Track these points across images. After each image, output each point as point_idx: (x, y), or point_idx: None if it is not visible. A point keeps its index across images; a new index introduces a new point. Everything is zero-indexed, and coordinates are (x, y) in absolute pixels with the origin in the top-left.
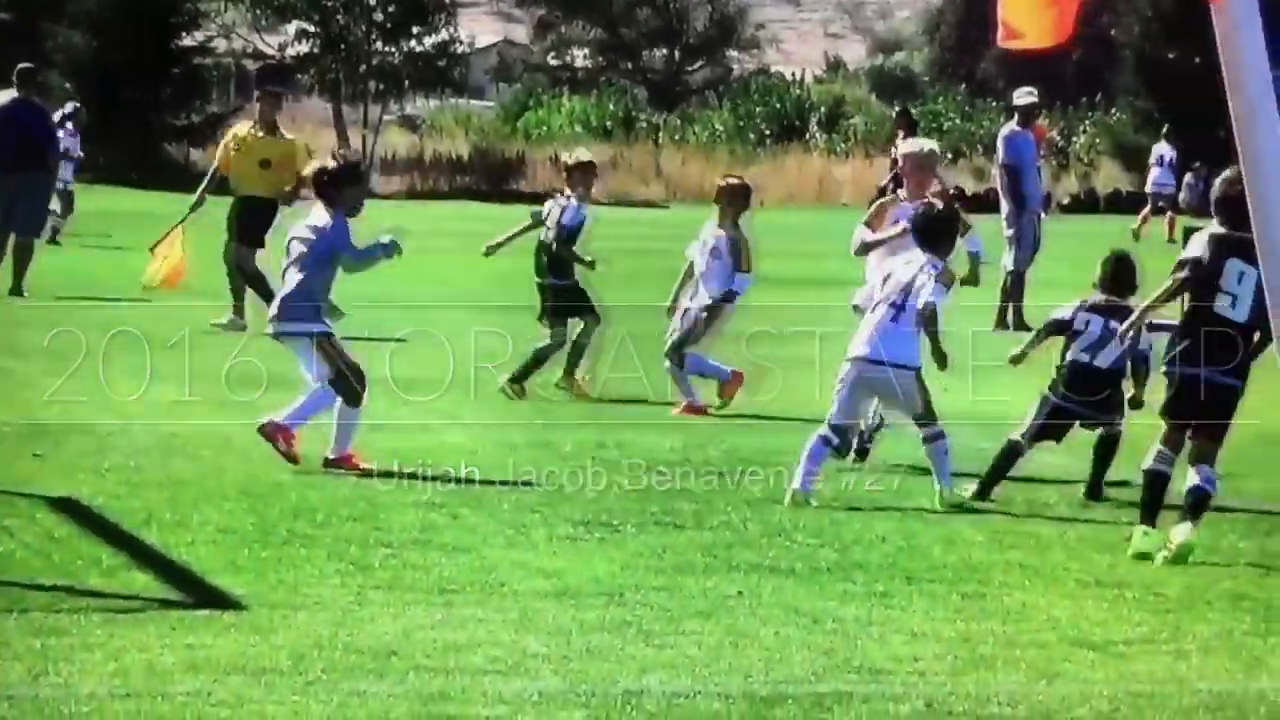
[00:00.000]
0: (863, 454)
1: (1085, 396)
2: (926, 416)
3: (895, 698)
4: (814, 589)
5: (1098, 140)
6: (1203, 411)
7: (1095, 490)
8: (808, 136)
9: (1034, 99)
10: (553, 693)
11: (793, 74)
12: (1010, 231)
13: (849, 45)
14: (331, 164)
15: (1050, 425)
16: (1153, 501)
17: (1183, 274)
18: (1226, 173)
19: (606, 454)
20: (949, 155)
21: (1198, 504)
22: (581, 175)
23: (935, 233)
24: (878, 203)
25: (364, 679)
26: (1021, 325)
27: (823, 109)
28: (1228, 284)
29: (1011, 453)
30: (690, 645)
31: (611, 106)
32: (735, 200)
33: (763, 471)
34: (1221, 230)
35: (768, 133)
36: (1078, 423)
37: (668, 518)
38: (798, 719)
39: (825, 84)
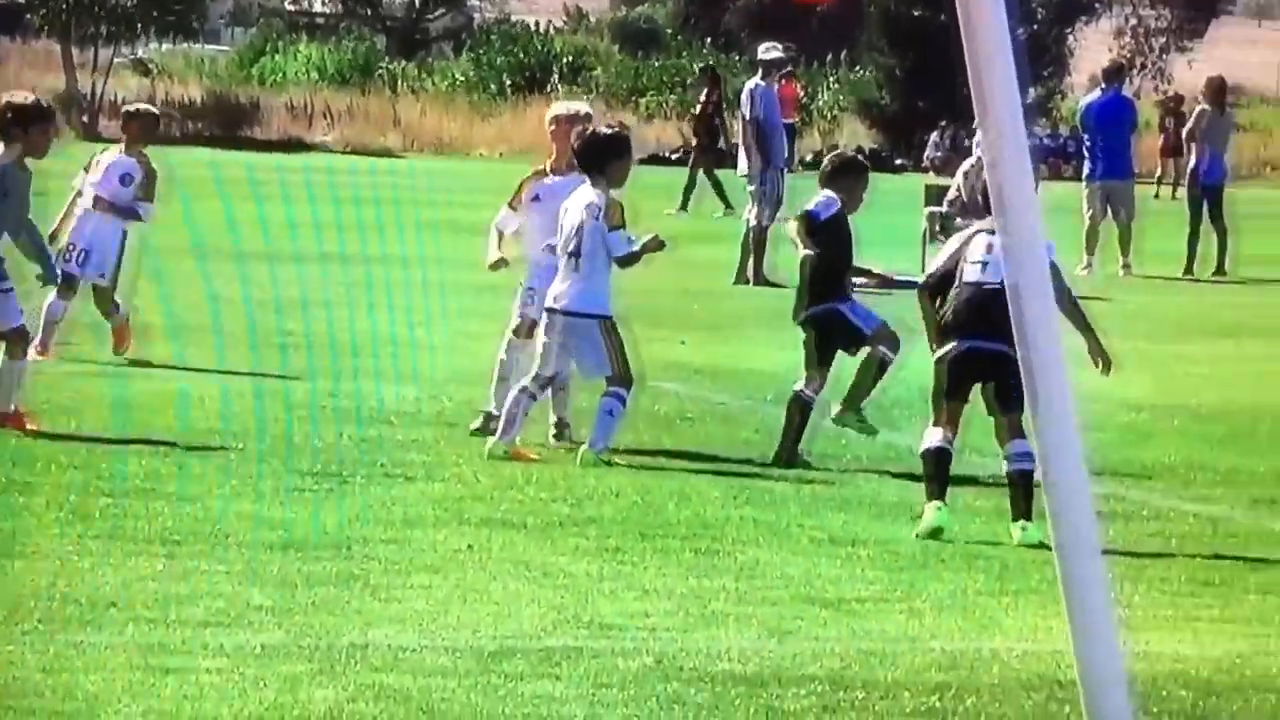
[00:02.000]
0: None
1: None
2: (616, 375)
3: (625, 653)
4: (545, 544)
5: (841, 97)
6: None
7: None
8: (549, 88)
9: (779, 54)
10: (276, 646)
11: (535, 24)
12: (754, 187)
13: None
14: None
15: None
16: (940, 477)
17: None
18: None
19: (338, 404)
20: (693, 110)
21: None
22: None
23: (595, 156)
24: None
25: (81, 630)
26: (762, 280)
27: (565, 60)
28: (977, 253)
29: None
30: (418, 599)
31: (349, 54)
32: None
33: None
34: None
35: (509, 83)
36: None
37: (398, 470)
38: (525, 674)
39: (567, 35)
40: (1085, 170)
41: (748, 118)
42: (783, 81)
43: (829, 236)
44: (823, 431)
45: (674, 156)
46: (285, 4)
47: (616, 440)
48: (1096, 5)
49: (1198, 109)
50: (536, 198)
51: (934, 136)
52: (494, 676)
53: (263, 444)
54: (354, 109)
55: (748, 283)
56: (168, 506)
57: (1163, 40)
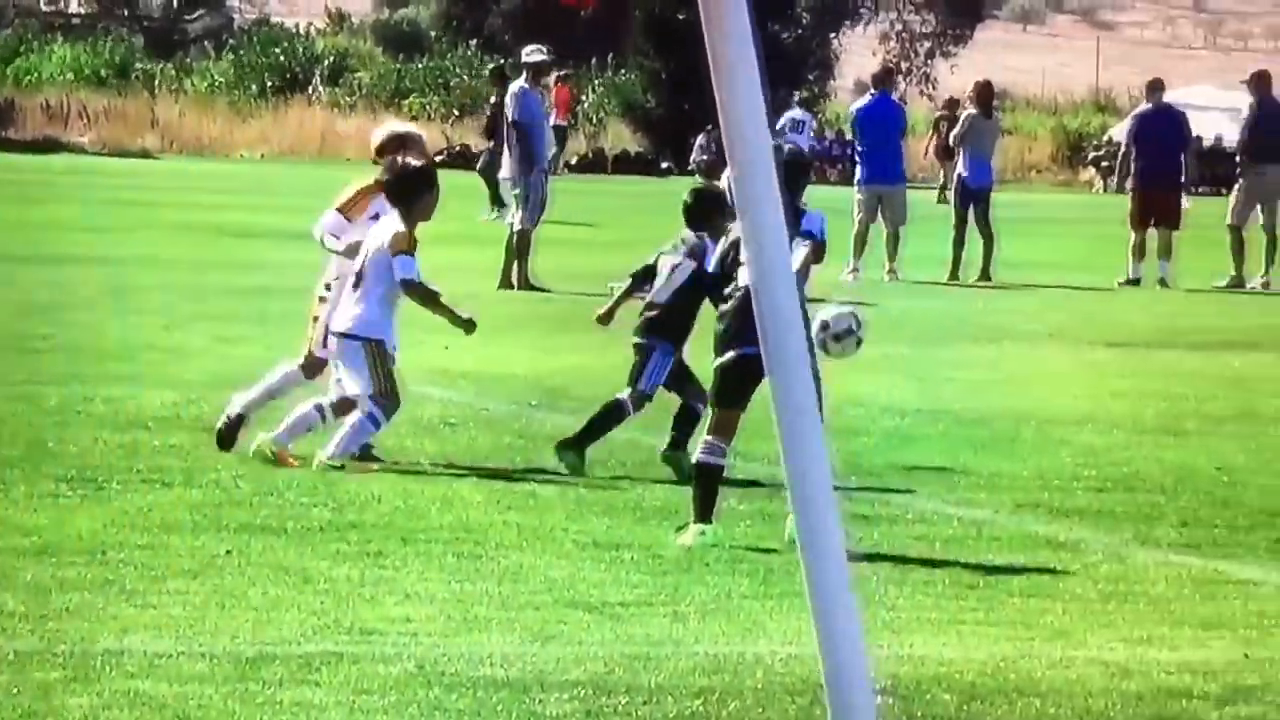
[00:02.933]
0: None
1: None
2: (378, 392)
3: (386, 659)
4: (306, 549)
5: (607, 100)
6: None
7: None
8: (310, 90)
9: (543, 56)
10: (29, 652)
11: (296, 25)
12: (517, 190)
13: None
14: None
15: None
16: (707, 496)
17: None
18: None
19: (93, 409)
20: (456, 112)
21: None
22: None
23: (403, 188)
24: (356, 187)
25: None
26: (527, 285)
27: (326, 62)
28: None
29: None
30: (175, 605)
31: (106, 55)
32: None
33: (260, 428)
34: None
35: (269, 85)
36: None
37: (155, 475)
38: (285, 680)
39: (329, 36)
40: (856, 175)
41: (511, 120)
42: (557, 85)
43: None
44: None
45: (439, 159)
46: (40, 4)
47: (381, 445)
48: (862, 9)
49: (964, 114)
50: (376, 216)
51: (700, 139)
52: (252, 683)
53: (15, 449)
54: (111, 110)
55: (512, 287)
56: None
57: (928, 45)
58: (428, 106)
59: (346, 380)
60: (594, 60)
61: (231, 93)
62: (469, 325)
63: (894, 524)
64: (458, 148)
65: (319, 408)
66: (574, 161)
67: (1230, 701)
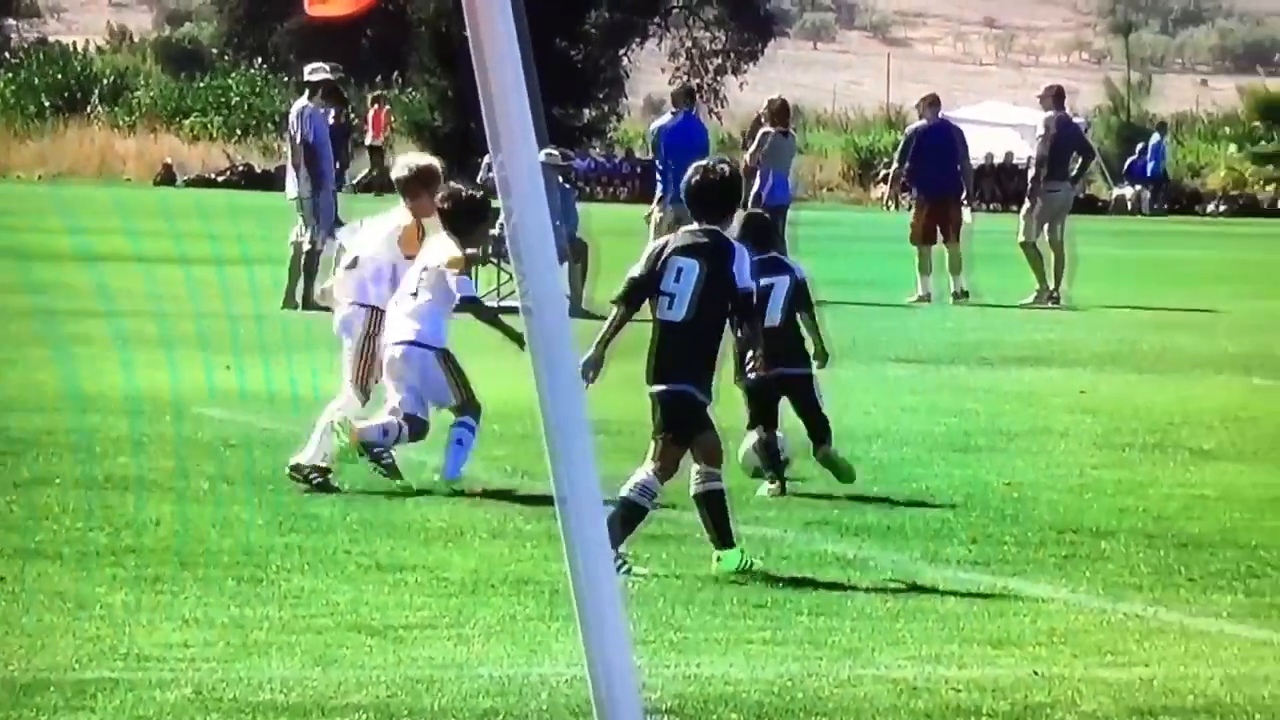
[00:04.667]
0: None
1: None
2: (463, 402)
3: (163, 685)
4: (81, 574)
5: (393, 119)
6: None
7: None
8: (89, 109)
9: (327, 75)
10: None
11: (73, 44)
12: (304, 211)
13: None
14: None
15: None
16: (630, 523)
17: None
18: (692, 167)
19: None
20: (239, 131)
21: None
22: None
23: (461, 218)
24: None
25: None
26: (312, 304)
27: (106, 80)
28: (667, 284)
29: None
30: None
31: None
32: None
33: (35, 451)
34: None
35: (48, 104)
36: None
37: None
38: (60, 707)
39: (109, 55)
40: (658, 193)
41: (298, 140)
42: (373, 105)
43: None
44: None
45: (220, 179)
46: None
47: (156, 466)
48: (651, 27)
49: (760, 131)
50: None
51: (487, 159)
52: (25, 710)
53: None
54: None
55: (297, 306)
56: None
57: (718, 62)
58: (209, 125)
59: (399, 388)
60: (379, 78)
61: (9, 112)
62: (521, 340)
63: (682, 543)
64: (241, 167)
65: (394, 416)
66: (356, 181)
67: (1020, 719)
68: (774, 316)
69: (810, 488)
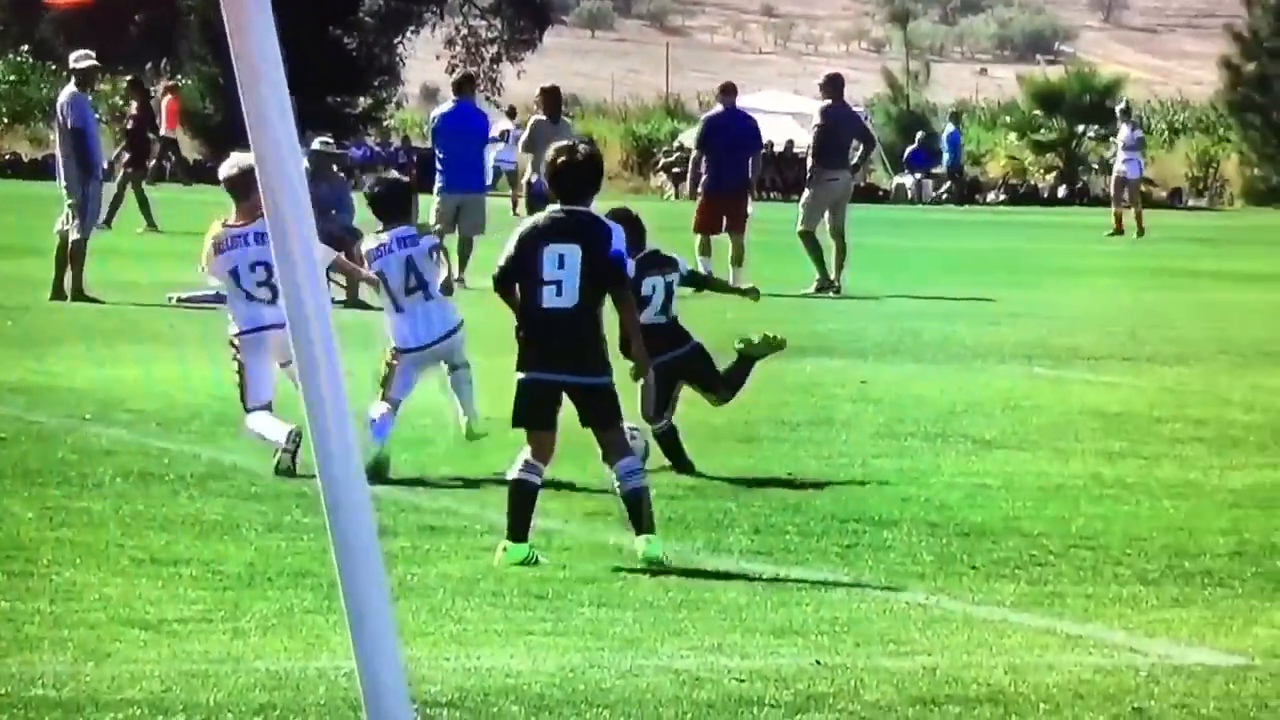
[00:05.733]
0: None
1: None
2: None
3: None
4: None
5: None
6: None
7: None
8: None
9: (93, 61)
10: None
11: None
12: (72, 200)
13: None
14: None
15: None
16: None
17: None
18: (551, 148)
19: None
20: (5, 120)
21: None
22: None
23: (391, 202)
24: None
25: None
26: (80, 295)
27: None
28: (549, 271)
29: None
30: None
31: None
32: None
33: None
34: (543, 214)
35: None
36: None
37: None
38: None
39: None
40: (437, 182)
41: (67, 127)
42: (166, 95)
43: None
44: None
45: None
46: None
47: None
48: (426, 14)
49: (532, 119)
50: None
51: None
52: None
53: None
54: None
55: (65, 298)
56: None
57: (494, 50)
58: None
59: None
60: (149, 65)
61: None
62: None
63: (462, 535)
64: (8, 156)
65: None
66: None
67: (803, 709)
68: (658, 319)
69: (592, 479)
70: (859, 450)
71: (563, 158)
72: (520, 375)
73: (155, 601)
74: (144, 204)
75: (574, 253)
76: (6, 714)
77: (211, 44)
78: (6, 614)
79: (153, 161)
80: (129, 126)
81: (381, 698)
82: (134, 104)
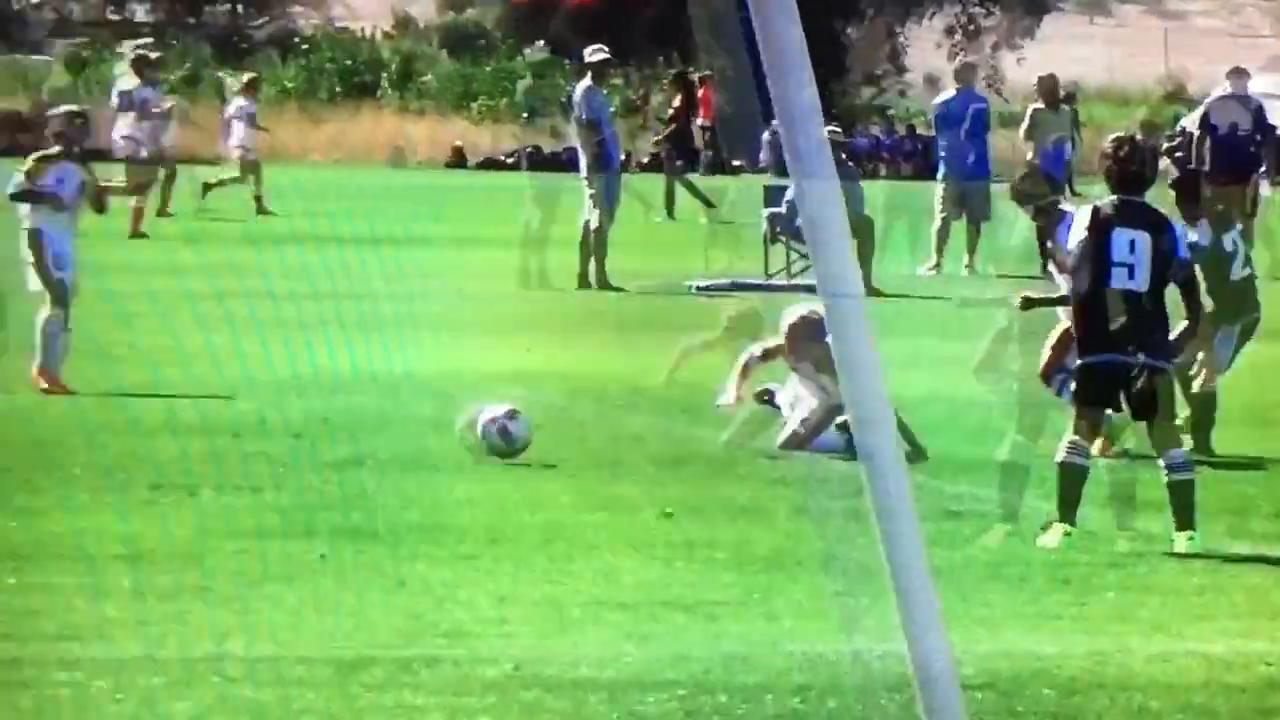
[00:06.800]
0: None
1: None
2: None
3: (484, 660)
4: (398, 552)
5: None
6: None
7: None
8: (380, 93)
9: (605, 55)
10: (130, 659)
11: (361, 30)
12: (593, 190)
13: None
14: None
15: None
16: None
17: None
18: (1108, 141)
19: (180, 416)
20: (525, 115)
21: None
22: None
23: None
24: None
25: None
26: (605, 284)
27: (394, 66)
28: (1119, 255)
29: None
30: (271, 609)
31: (176, 62)
32: None
33: (345, 433)
34: (1105, 201)
35: (339, 90)
36: None
37: (245, 481)
38: (385, 683)
39: (395, 40)
40: (940, 170)
41: (583, 120)
42: (703, 88)
43: None
44: None
45: (509, 160)
46: (107, 13)
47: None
48: (926, 3)
49: (1030, 108)
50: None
51: (765, 136)
52: (353, 686)
53: (106, 458)
54: (182, 117)
55: (590, 286)
56: (13, 521)
57: (994, 38)
58: (495, 108)
59: None
60: (659, 60)
61: (302, 99)
62: None
63: (982, 519)
64: (529, 149)
65: None
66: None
67: None
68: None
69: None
70: None
71: (1126, 149)
72: (1089, 358)
73: (691, 585)
74: (672, 195)
75: (1143, 240)
76: (553, 694)
77: (722, 37)
78: (550, 596)
79: (707, 152)
80: (674, 118)
81: (932, 681)
82: (678, 97)
